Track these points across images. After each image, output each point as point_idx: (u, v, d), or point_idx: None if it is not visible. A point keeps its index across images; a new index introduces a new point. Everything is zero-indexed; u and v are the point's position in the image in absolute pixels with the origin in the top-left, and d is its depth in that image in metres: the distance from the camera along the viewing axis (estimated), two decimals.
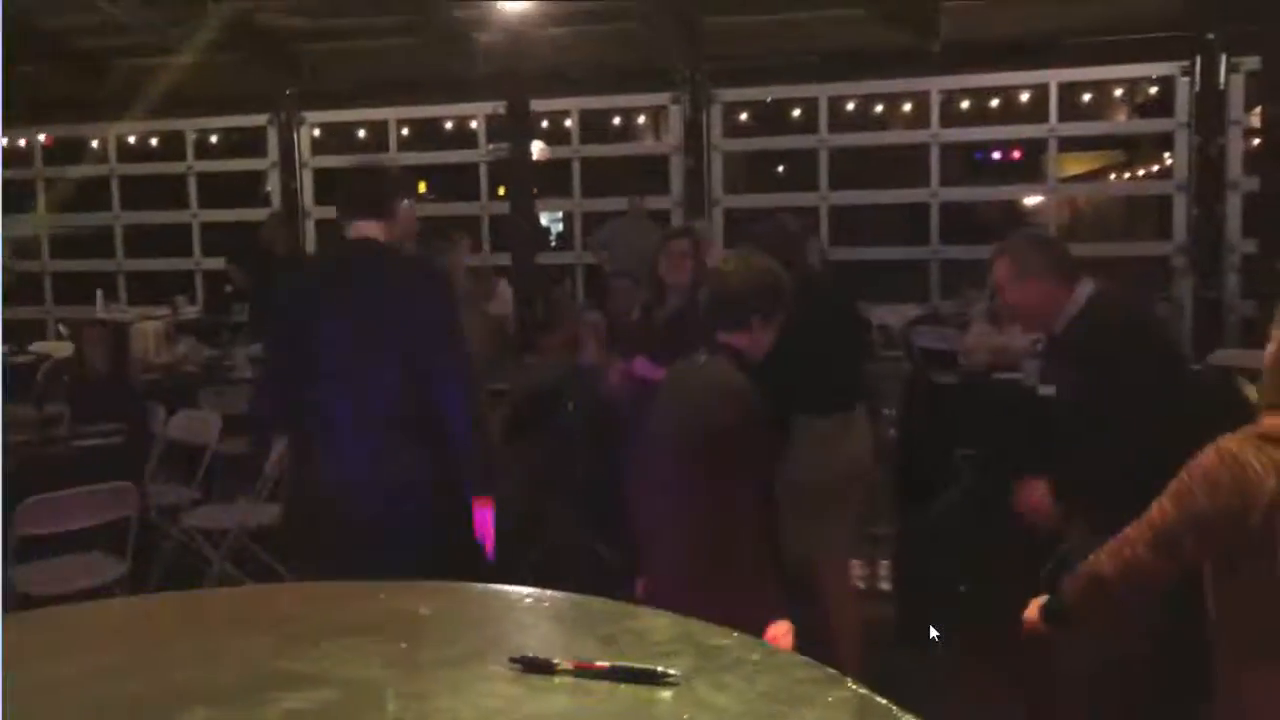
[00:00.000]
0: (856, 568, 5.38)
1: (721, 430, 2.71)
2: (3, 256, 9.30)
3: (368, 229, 3.45)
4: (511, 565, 4.55)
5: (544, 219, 14.75)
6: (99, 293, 9.76)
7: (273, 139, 10.99)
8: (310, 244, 10.69)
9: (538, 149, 9.62)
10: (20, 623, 1.62)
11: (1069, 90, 9.53)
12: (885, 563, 5.61)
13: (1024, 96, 9.85)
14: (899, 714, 1.10)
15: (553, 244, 11.69)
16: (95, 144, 11.55)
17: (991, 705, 3.90)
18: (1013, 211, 12.71)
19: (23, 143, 11.68)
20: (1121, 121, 11.39)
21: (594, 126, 10.87)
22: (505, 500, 5.06)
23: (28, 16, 9.19)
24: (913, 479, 5.73)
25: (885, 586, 5.47)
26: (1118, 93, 10.31)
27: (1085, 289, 3.23)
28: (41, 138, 11.69)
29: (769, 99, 10.51)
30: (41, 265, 11.78)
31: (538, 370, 6.39)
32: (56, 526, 4.03)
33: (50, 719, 1.21)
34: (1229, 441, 2.10)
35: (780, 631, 2.56)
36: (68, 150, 11.77)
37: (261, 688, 1.22)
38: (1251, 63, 8.24)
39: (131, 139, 11.47)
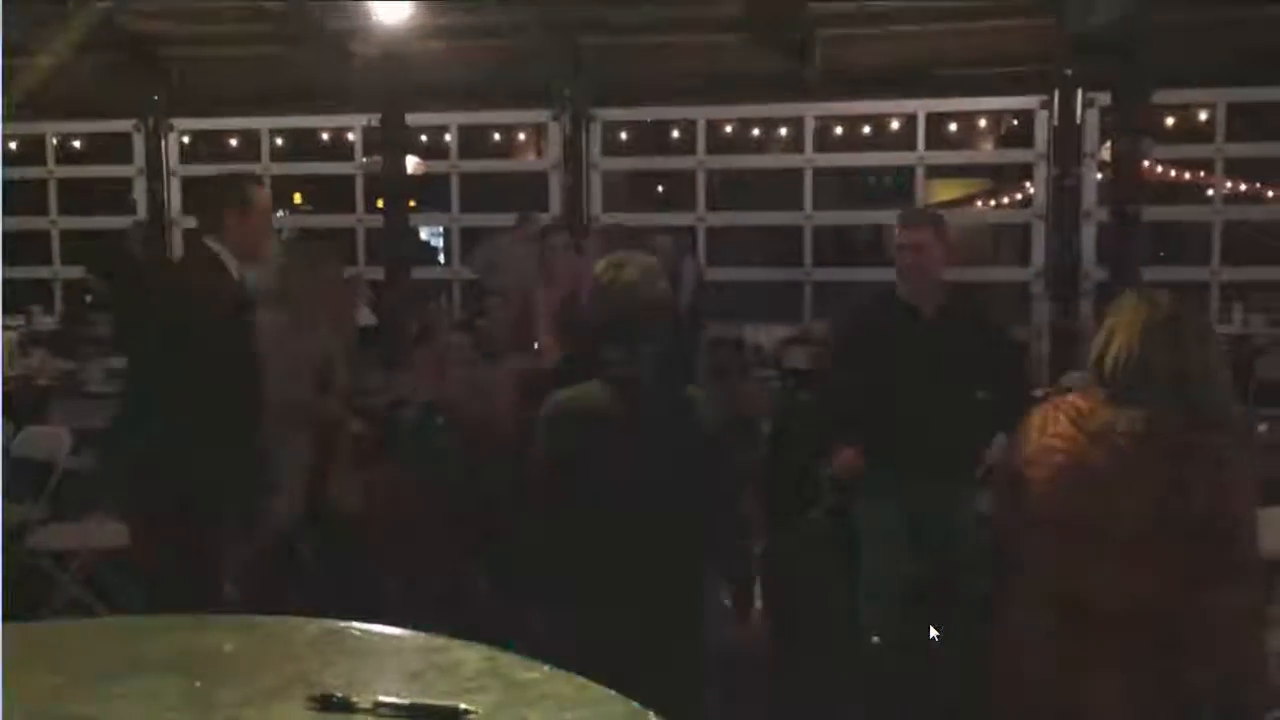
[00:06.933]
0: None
1: None
2: None
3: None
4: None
5: (424, 233, 14.52)
6: None
7: (139, 145, 10.65)
8: (175, 253, 10.38)
9: (412, 163, 9.50)
10: None
11: (936, 120, 9.82)
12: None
13: (894, 124, 10.11)
14: None
15: (440, 259, 11.55)
16: None
17: None
18: (886, 235, 13.00)
19: None
20: (984, 151, 11.84)
21: (474, 142, 10.79)
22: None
23: None
24: (780, 497, 5.81)
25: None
26: (982, 123, 10.67)
27: None
28: None
29: (649, 119, 10.58)
30: None
31: (404, 386, 6.26)
32: None
33: None
34: None
35: None
36: None
37: None
38: (1105, 98, 8.58)
39: None
